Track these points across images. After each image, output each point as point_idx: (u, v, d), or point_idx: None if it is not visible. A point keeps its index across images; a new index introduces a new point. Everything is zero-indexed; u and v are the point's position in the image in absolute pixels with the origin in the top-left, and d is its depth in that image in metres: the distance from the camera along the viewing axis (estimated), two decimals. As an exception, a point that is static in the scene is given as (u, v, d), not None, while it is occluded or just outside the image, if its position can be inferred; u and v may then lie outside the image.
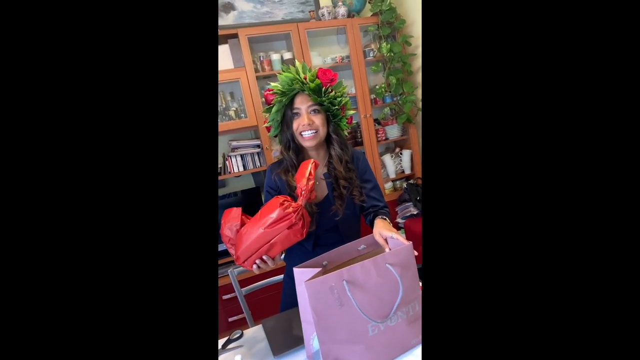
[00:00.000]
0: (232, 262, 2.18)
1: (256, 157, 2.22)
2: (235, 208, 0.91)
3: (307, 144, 1.00)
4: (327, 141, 1.05)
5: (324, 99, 0.98)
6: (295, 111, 0.99)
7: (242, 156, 2.19)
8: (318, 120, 0.99)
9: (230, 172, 2.18)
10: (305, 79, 0.97)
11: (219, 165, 2.17)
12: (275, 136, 1.08)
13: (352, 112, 1.06)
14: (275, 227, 0.83)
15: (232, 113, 2.18)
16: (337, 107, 1.00)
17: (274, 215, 0.83)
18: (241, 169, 2.20)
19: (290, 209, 0.84)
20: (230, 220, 0.89)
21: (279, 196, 0.88)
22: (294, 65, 0.99)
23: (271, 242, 0.84)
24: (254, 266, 0.87)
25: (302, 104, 0.98)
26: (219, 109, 2.17)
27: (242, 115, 2.19)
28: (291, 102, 0.99)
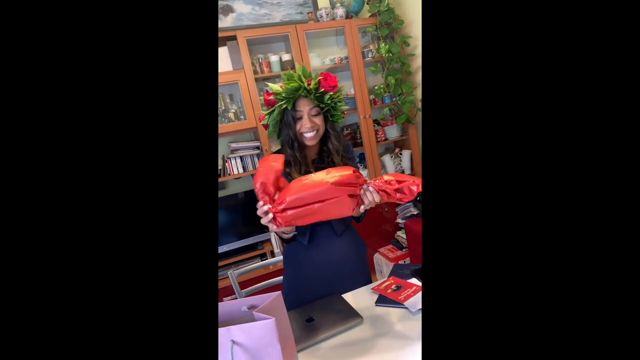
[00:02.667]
0: (232, 264, 2.18)
1: (256, 159, 2.23)
2: (276, 155, 0.86)
3: (309, 143, 1.06)
4: (324, 135, 1.10)
5: (326, 103, 1.03)
6: (297, 114, 1.03)
7: (241, 158, 2.20)
8: (319, 120, 1.05)
9: (230, 174, 2.18)
10: (308, 83, 1.00)
11: (219, 167, 2.17)
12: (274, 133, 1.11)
13: (345, 107, 1.12)
14: (342, 188, 0.77)
15: (231, 115, 2.18)
16: (337, 110, 1.07)
17: (347, 173, 0.78)
18: (241, 170, 2.20)
19: (361, 180, 0.79)
20: (273, 161, 0.84)
21: (350, 167, 0.83)
22: (293, 67, 1.01)
23: (325, 202, 0.77)
24: (279, 222, 0.79)
25: (304, 106, 1.03)
26: (218, 111, 2.17)
27: (242, 117, 2.19)
28: (292, 104, 1.02)
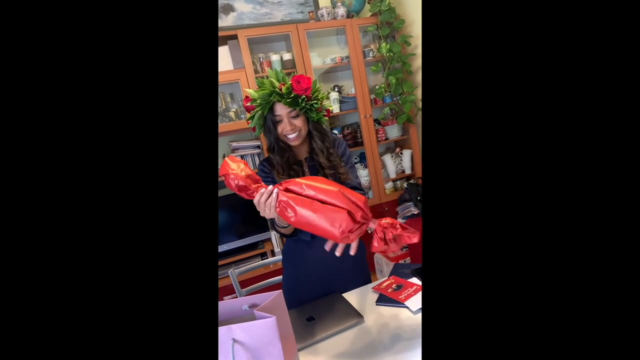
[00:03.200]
0: (232, 263, 2.18)
1: (256, 158, 2.23)
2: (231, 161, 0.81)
3: (292, 143, 1.06)
4: (309, 134, 1.10)
5: (301, 106, 1.02)
6: (276, 118, 1.04)
7: (242, 157, 2.20)
8: (299, 122, 1.04)
9: (230, 173, 2.18)
10: (281, 88, 0.99)
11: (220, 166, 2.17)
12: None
13: (330, 106, 1.10)
14: (346, 201, 0.72)
15: (232, 114, 2.18)
16: (315, 110, 1.05)
17: (361, 202, 0.73)
18: (241, 169, 2.20)
19: (366, 210, 0.74)
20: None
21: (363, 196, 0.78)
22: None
23: (323, 206, 0.72)
24: (273, 196, 0.76)
25: (282, 110, 1.02)
26: (219, 110, 2.17)
27: (242, 116, 2.19)
28: (271, 109, 1.03)
